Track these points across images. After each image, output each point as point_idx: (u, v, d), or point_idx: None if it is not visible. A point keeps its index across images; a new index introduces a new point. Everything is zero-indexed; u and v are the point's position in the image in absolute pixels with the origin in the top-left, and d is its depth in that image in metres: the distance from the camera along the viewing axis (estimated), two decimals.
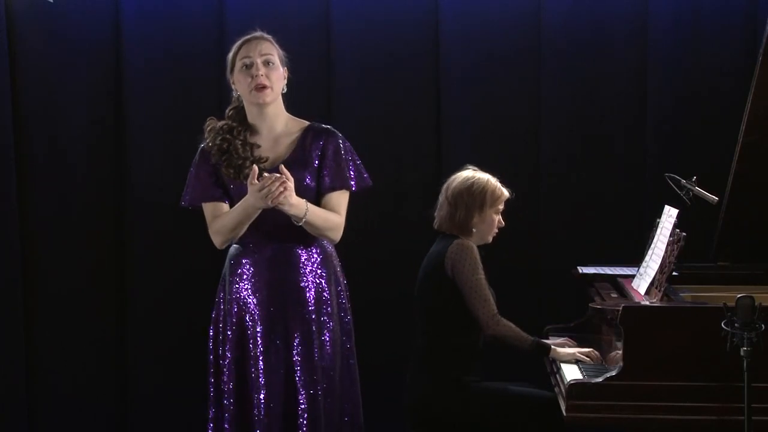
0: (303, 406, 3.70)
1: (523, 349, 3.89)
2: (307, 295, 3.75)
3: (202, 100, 4.78)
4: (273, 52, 3.77)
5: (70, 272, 5.02)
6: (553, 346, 3.91)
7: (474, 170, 4.05)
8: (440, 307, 3.94)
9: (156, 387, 5.05)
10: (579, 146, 4.99)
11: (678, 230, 3.76)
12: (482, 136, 4.96)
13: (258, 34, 3.80)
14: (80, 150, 5.01)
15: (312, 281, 3.77)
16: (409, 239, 4.83)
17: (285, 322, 3.74)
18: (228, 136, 3.77)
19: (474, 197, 3.97)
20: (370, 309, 4.61)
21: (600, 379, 3.44)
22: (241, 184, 3.72)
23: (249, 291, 3.76)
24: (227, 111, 3.84)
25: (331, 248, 3.86)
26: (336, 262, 3.88)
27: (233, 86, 3.81)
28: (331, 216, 3.76)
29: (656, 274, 3.82)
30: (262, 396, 3.69)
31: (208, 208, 3.81)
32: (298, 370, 3.72)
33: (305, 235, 3.74)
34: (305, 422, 3.70)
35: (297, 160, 3.76)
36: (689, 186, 4.10)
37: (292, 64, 3.85)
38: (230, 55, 3.80)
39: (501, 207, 4.02)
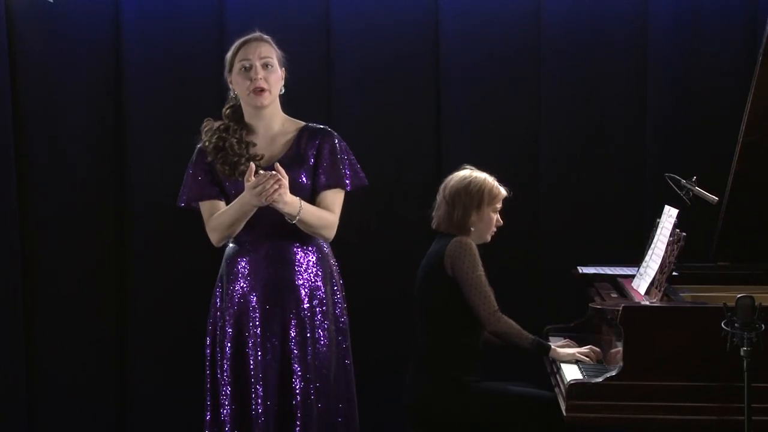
0: (297, 405, 3.70)
1: (524, 346, 3.89)
2: (302, 293, 3.75)
3: (202, 100, 4.77)
4: (272, 54, 3.77)
5: (70, 272, 5.02)
6: (553, 346, 3.91)
7: (471, 169, 4.05)
8: (440, 307, 3.94)
9: (156, 387, 5.04)
10: (579, 146, 4.98)
11: (678, 230, 3.75)
12: (482, 136, 4.96)
13: (257, 35, 3.80)
14: (80, 150, 5.01)
15: (307, 279, 3.77)
16: (408, 239, 4.83)
17: (281, 320, 3.74)
18: (224, 134, 3.78)
19: (471, 196, 3.97)
20: (369, 309, 4.62)
21: (600, 379, 3.44)
22: (236, 182, 3.73)
23: (246, 289, 3.76)
24: (224, 110, 3.85)
25: (327, 248, 3.86)
26: (332, 261, 3.87)
27: (231, 86, 3.82)
28: (325, 214, 3.76)
29: (656, 274, 3.82)
30: (260, 391, 3.69)
31: (204, 206, 3.82)
32: (293, 367, 3.71)
33: (302, 234, 3.74)
34: (299, 421, 3.70)
35: (292, 158, 3.77)
36: (689, 186, 4.10)
37: (292, 64, 3.85)
38: (229, 55, 3.80)
39: (499, 206, 4.01)
